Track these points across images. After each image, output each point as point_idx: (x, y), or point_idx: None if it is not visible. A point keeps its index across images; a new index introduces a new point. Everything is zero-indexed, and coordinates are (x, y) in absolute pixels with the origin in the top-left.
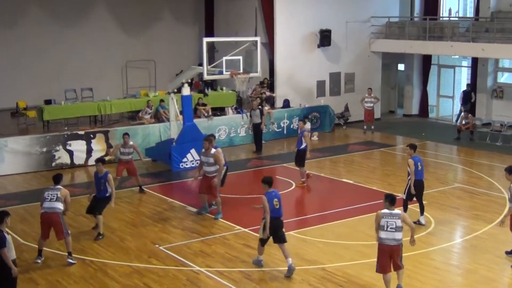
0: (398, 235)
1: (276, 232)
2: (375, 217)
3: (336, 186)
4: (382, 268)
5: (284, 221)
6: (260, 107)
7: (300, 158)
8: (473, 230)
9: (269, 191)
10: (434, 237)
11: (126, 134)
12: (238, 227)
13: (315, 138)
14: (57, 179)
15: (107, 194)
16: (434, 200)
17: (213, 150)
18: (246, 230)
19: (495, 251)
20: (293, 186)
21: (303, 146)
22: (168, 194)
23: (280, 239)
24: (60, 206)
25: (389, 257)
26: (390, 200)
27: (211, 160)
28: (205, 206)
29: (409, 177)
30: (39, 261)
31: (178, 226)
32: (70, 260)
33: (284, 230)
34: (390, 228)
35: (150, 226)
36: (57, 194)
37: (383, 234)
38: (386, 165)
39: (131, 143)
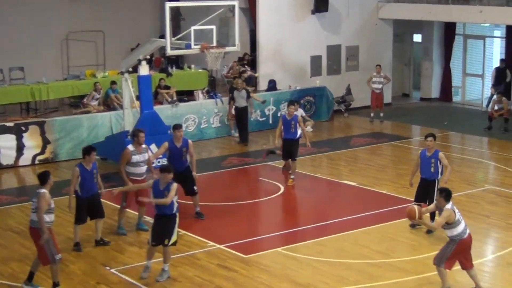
0: None
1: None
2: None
3: (336, 189)
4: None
5: (271, 234)
6: (246, 87)
7: (294, 149)
8: (508, 243)
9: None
10: None
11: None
12: (212, 243)
13: (308, 128)
14: (42, 179)
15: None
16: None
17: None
18: (221, 246)
19: None
20: (282, 190)
21: (298, 134)
22: (120, 202)
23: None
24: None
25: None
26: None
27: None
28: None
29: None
30: None
31: (134, 242)
32: None
33: None
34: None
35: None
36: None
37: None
38: (399, 162)
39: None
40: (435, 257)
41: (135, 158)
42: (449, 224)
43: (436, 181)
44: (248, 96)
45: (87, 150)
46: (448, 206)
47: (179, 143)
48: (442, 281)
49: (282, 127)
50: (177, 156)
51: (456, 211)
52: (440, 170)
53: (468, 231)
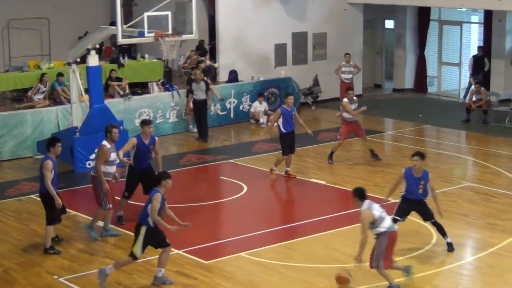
0: None
1: None
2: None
3: (303, 188)
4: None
5: (234, 238)
6: (205, 78)
7: (294, 141)
8: (488, 244)
9: None
10: (436, 255)
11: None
12: None
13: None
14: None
15: None
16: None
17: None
18: (179, 252)
19: None
20: (245, 190)
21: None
22: (70, 205)
23: None
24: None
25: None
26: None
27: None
28: None
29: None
30: None
31: (85, 249)
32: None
33: None
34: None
35: None
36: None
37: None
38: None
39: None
40: (370, 260)
41: (113, 156)
42: (373, 224)
43: (424, 201)
44: (208, 88)
45: (52, 142)
46: (364, 206)
47: (147, 139)
48: (388, 280)
49: (279, 120)
50: (143, 154)
51: (375, 207)
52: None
53: (396, 226)
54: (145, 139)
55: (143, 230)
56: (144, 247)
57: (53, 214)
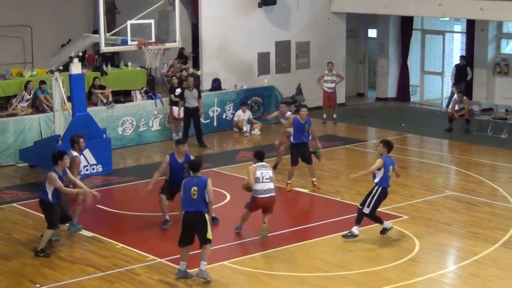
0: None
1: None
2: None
3: (285, 197)
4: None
5: (216, 247)
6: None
7: (308, 153)
8: (471, 253)
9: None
10: (418, 263)
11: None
12: (152, 256)
13: (256, 131)
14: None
15: None
16: (419, 213)
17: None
18: (162, 260)
19: (500, 281)
20: (228, 199)
21: (310, 137)
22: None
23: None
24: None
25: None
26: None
27: None
28: None
29: (376, 184)
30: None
31: (67, 257)
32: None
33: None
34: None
35: (28, 258)
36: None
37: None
38: (354, 167)
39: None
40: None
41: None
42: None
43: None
44: (199, 96)
45: (59, 155)
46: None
47: (181, 158)
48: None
49: (290, 130)
50: (177, 172)
51: (259, 171)
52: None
53: (266, 195)
54: (179, 158)
55: (207, 217)
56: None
57: (54, 219)
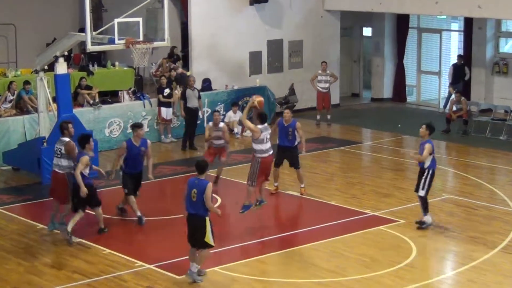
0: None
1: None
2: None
3: (279, 201)
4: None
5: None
6: (178, 87)
7: (295, 157)
8: (469, 258)
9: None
10: (415, 269)
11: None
12: (140, 262)
13: (248, 133)
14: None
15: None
16: (416, 217)
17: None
18: (151, 266)
19: (499, 287)
20: (219, 203)
21: (297, 141)
22: (37, 217)
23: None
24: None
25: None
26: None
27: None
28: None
29: (427, 168)
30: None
31: (53, 263)
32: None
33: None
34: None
35: (12, 264)
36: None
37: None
38: (349, 170)
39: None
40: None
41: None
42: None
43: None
44: (199, 96)
45: (85, 138)
46: (260, 126)
47: (138, 142)
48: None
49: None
50: (135, 157)
51: (264, 133)
52: None
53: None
54: (136, 142)
55: (207, 221)
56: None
57: (78, 202)
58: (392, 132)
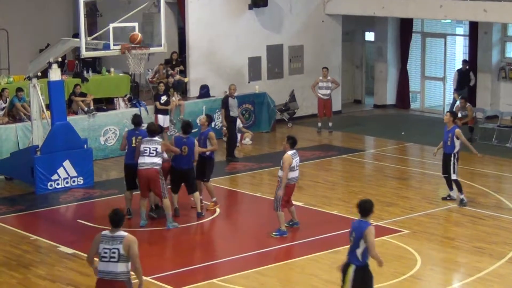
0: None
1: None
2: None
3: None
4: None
5: (206, 263)
6: (175, 93)
7: (206, 168)
8: (475, 269)
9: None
10: (420, 281)
11: None
12: None
13: (247, 141)
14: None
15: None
16: (420, 227)
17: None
18: (147, 279)
19: None
20: (217, 213)
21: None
22: (30, 228)
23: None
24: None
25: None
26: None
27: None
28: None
29: (457, 152)
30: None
31: (46, 275)
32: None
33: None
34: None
35: (5, 276)
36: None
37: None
38: (351, 179)
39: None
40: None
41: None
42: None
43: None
44: (238, 105)
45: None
46: (290, 152)
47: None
48: (282, 223)
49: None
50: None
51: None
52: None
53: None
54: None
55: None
56: None
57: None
58: (396, 140)
